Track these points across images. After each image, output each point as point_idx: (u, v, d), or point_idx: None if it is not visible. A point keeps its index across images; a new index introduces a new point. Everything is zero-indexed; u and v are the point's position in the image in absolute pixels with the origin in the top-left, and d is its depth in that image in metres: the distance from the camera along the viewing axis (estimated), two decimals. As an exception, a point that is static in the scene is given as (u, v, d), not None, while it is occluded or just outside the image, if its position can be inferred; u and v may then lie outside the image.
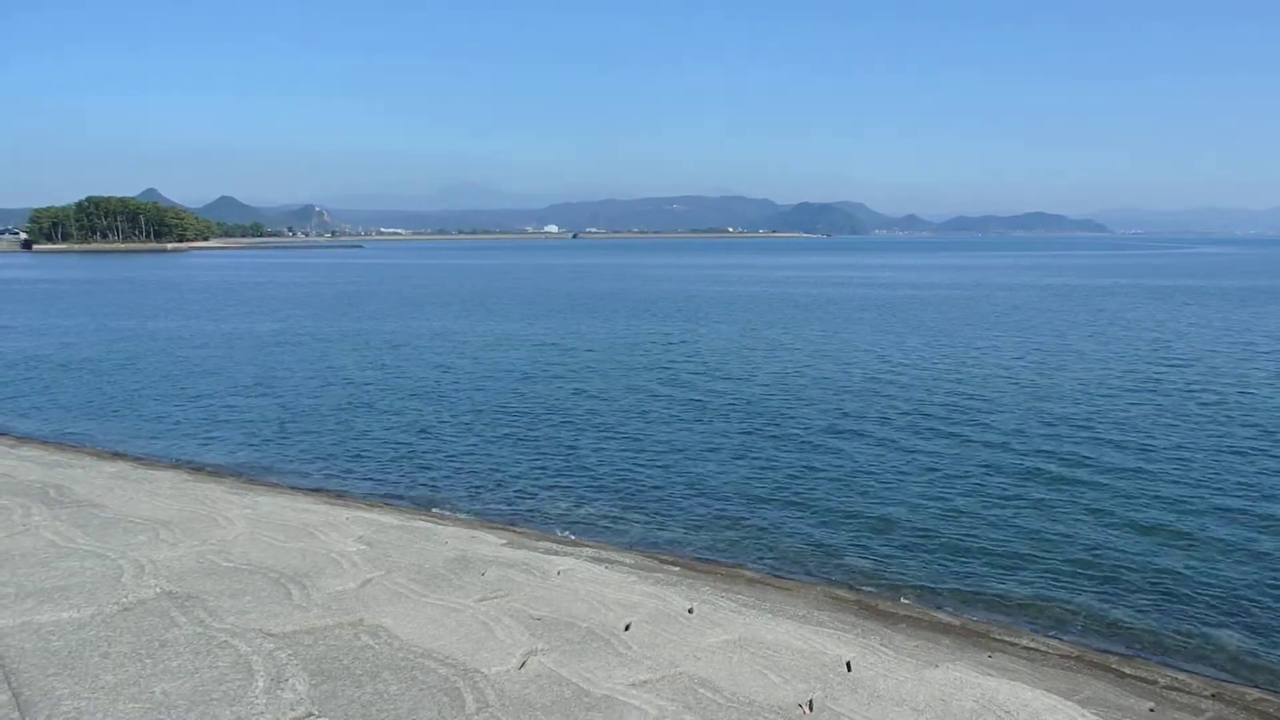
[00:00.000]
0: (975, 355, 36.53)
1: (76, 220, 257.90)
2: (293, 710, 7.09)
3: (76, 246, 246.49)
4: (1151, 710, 9.16)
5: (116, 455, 20.92)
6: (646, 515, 16.51)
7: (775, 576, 13.51)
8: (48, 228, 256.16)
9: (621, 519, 16.34)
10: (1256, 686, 10.27)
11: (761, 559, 14.27)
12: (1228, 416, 23.81)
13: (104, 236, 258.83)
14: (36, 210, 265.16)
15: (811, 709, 7.77)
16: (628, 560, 13.52)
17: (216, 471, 19.60)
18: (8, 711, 6.85)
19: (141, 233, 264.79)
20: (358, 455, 21.13)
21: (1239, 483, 17.86)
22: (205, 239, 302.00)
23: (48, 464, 18.07)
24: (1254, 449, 20.38)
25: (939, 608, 12.43)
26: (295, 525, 13.34)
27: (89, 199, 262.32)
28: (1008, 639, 11.29)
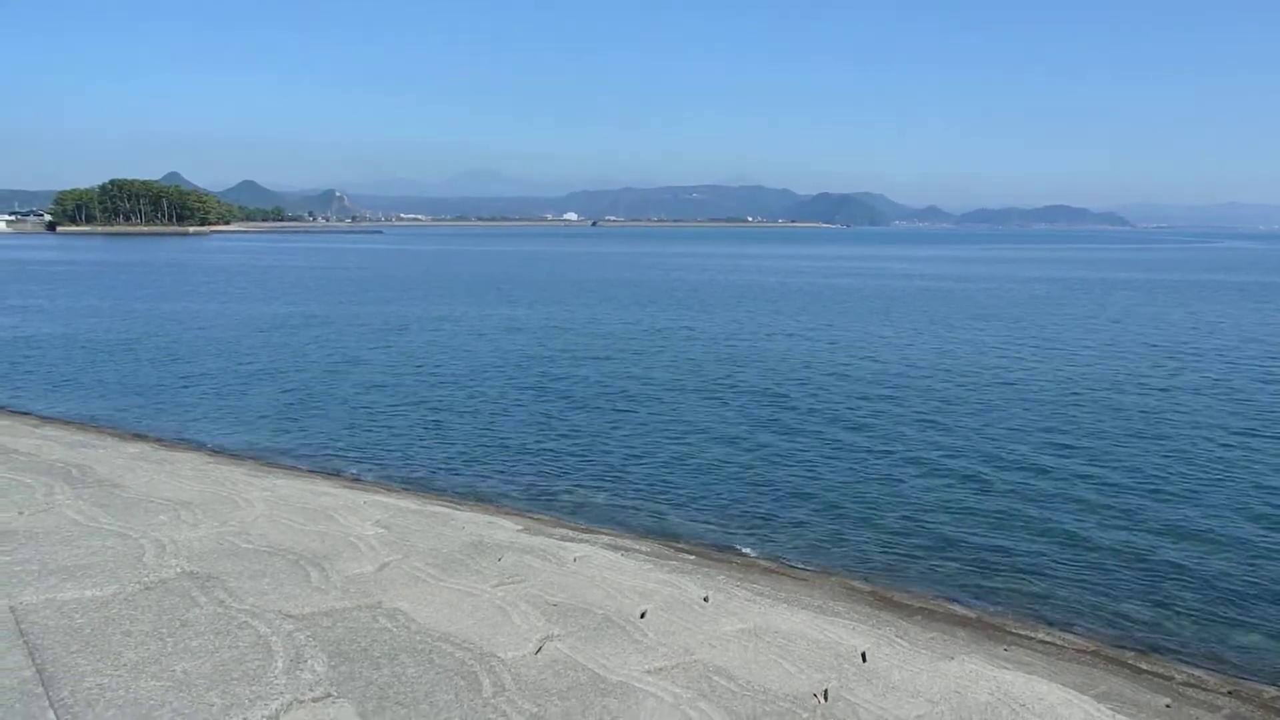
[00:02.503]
0: (992, 349, 36.32)
1: (100, 203, 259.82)
2: (311, 691, 7.16)
3: (100, 229, 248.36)
4: (1168, 706, 9.13)
5: (137, 436, 21.12)
6: (662, 503, 16.53)
7: (790, 566, 13.52)
8: (72, 210, 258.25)
9: (637, 506, 16.37)
10: (1275, 685, 10.20)
11: (777, 548, 14.26)
12: (1247, 411, 23.59)
13: (127, 219, 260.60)
14: (61, 192, 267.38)
15: (826, 698, 7.78)
16: (643, 548, 13.55)
17: (236, 454, 19.76)
18: (32, 687, 6.95)
19: (164, 216, 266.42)
20: (375, 439, 21.24)
21: (1259, 479, 17.71)
22: (227, 223, 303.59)
23: (70, 444, 18.26)
24: (1269, 444, 20.20)
25: (955, 600, 12.41)
26: (314, 508, 13.44)
27: (112, 182, 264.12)
28: (1024, 632, 11.27)
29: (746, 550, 14.19)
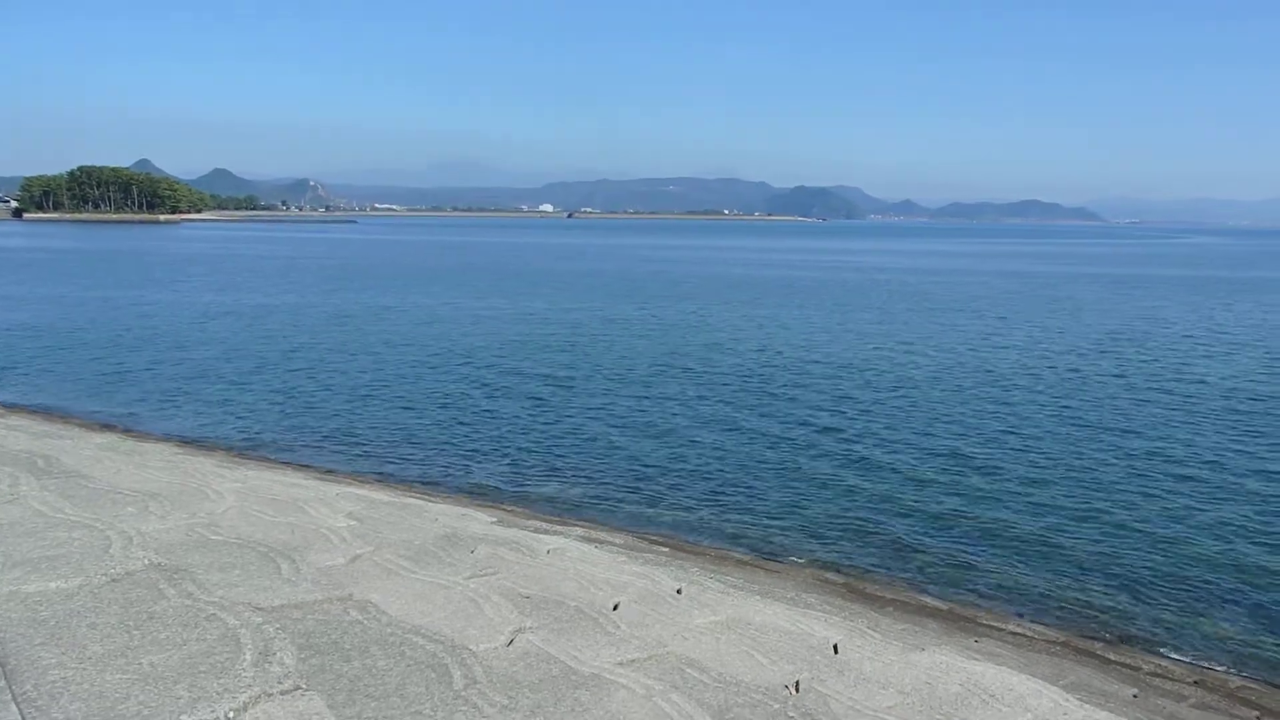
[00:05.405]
0: (962, 342, 36.56)
1: (68, 190, 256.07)
2: (280, 683, 7.09)
3: (68, 216, 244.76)
4: (1135, 696, 9.24)
5: (105, 427, 20.85)
6: (637, 496, 16.53)
7: (764, 558, 13.55)
8: (39, 196, 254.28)
9: (611, 499, 16.36)
10: (1239, 674, 10.35)
11: (751, 541, 14.30)
12: (1215, 405, 23.88)
13: (96, 207, 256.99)
14: (28, 179, 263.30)
15: (798, 690, 7.80)
16: (617, 540, 13.54)
17: (206, 445, 19.56)
18: (-6, 681, 6.84)
19: (134, 204, 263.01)
20: (348, 431, 21.09)
21: (1226, 472, 17.94)
22: (198, 211, 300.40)
23: (36, 434, 17.99)
24: (1241, 433, 20.46)
25: (927, 592, 12.49)
26: (285, 500, 13.32)
27: (81, 168, 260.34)
28: (994, 624, 11.36)
29: (720, 542, 14.22)
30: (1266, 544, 14.19)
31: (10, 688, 6.74)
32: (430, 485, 17.02)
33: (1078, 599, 12.32)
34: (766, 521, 15.18)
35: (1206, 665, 10.56)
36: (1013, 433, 21.00)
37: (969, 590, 12.59)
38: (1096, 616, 11.83)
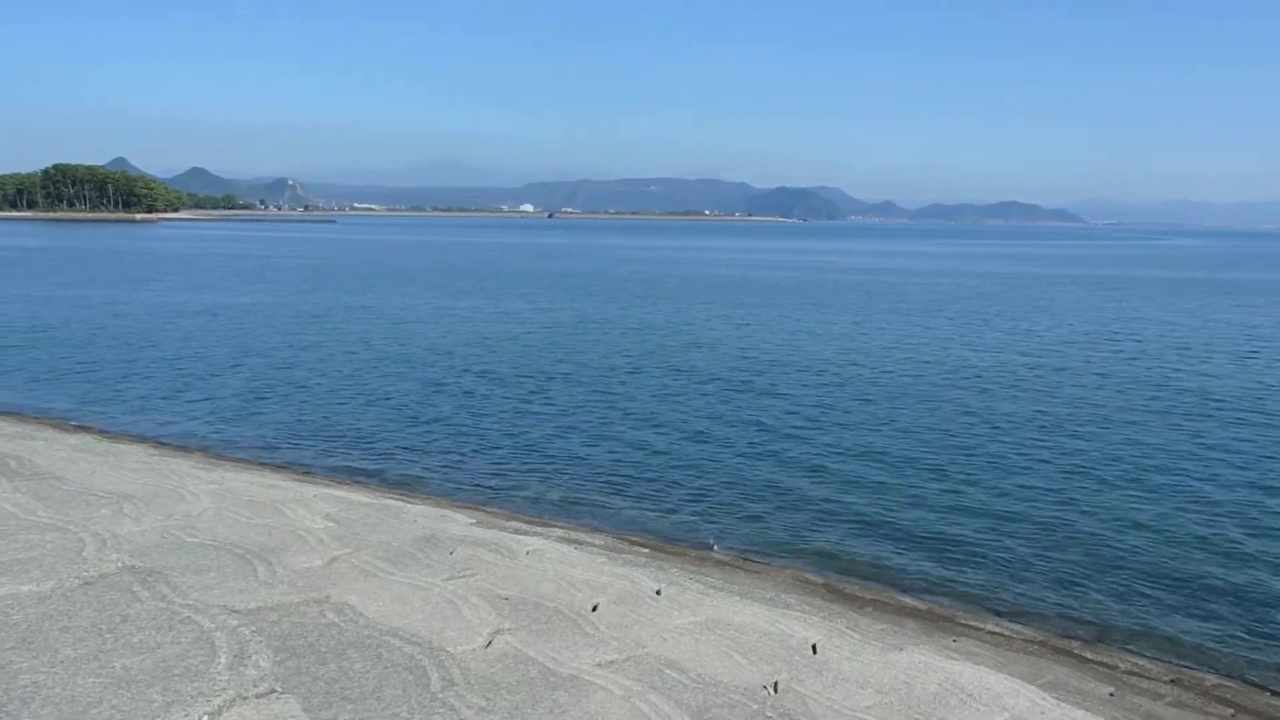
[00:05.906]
0: (944, 342, 36.74)
1: (43, 188, 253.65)
2: (256, 686, 7.03)
3: (42, 215, 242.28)
4: (1111, 695, 9.30)
5: (80, 427, 20.62)
6: (617, 497, 16.50)
7: (744, 559, 13.56)
8: (12, 195, 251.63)
9: (591, 500, 16.32)
10: (1215, 673, 10.43)
11: (731, 541, 14.30)
12: (1189, 406, 24.11)
13: (71, 205, 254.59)
14: (0, 176, 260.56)
15: (776, 690, 7.81)
16: (597, 541, 13.51)
17: (183, 446, 19.37)
18: (-37, 686, 6.75)
19: (110, 202, 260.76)
20: (327, 431, 20.95)
21: (1202, 472, 18.10)
22: (175, 210, 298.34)
23: (8, 435, 17.78)
24: (1222, 433, 20.66)
25: (906, 592, 12.53)
26: (262, 501, 13.22)
27: (56, 166, 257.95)
28: (973, 624, 11.41)
29: (700, 543, 14.21)
30: (1246, 545, 14.32)
31: (-21, 693, 6.65)
32: (409, 486, 16.92)
33: (1056, 598, 12.39)
34: (747, 521, 15.19)
35: (1183, 664, 10.63)
36: (992, 432, 21.11)
37: (948, 590, 12.63)
38: (1074, 616, 11.90)
